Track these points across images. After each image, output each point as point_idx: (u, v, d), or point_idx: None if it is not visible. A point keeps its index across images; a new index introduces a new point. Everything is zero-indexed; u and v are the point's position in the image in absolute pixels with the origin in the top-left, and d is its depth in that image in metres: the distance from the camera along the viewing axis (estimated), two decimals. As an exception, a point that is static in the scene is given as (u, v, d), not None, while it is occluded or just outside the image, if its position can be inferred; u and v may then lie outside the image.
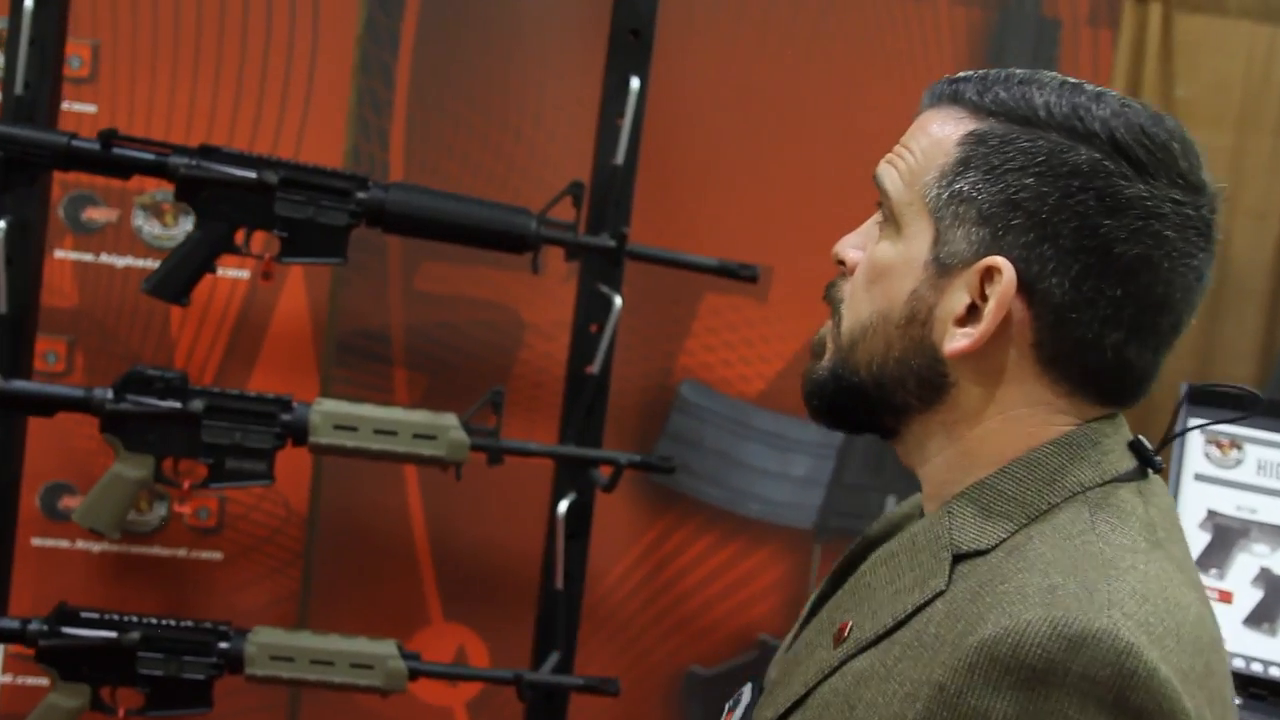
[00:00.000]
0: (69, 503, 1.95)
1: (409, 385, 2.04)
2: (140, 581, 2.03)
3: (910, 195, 0.83)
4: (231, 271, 1.92)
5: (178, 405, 1.50)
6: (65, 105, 1.98)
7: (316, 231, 1.51)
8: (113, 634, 1.47)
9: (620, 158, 1.58)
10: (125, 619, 1.49)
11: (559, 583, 1.55)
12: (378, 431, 1.52)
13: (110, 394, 1.50)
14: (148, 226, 1.98)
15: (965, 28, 2.11)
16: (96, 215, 1.99)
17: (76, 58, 2.00)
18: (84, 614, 1.49)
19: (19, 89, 1.53)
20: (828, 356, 0.88)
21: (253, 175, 1.50)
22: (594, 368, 1.57)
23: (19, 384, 1.49)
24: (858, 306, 0.86)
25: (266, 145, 1.99)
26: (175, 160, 1.49)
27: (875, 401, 0.85)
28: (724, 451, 2.03)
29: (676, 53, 1.94)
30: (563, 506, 1.58)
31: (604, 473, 1.62)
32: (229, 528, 2.03)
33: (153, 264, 1.97)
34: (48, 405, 1.51)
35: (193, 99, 1.99)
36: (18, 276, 1.55)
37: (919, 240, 0.82)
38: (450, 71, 2.02)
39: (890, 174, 0.86)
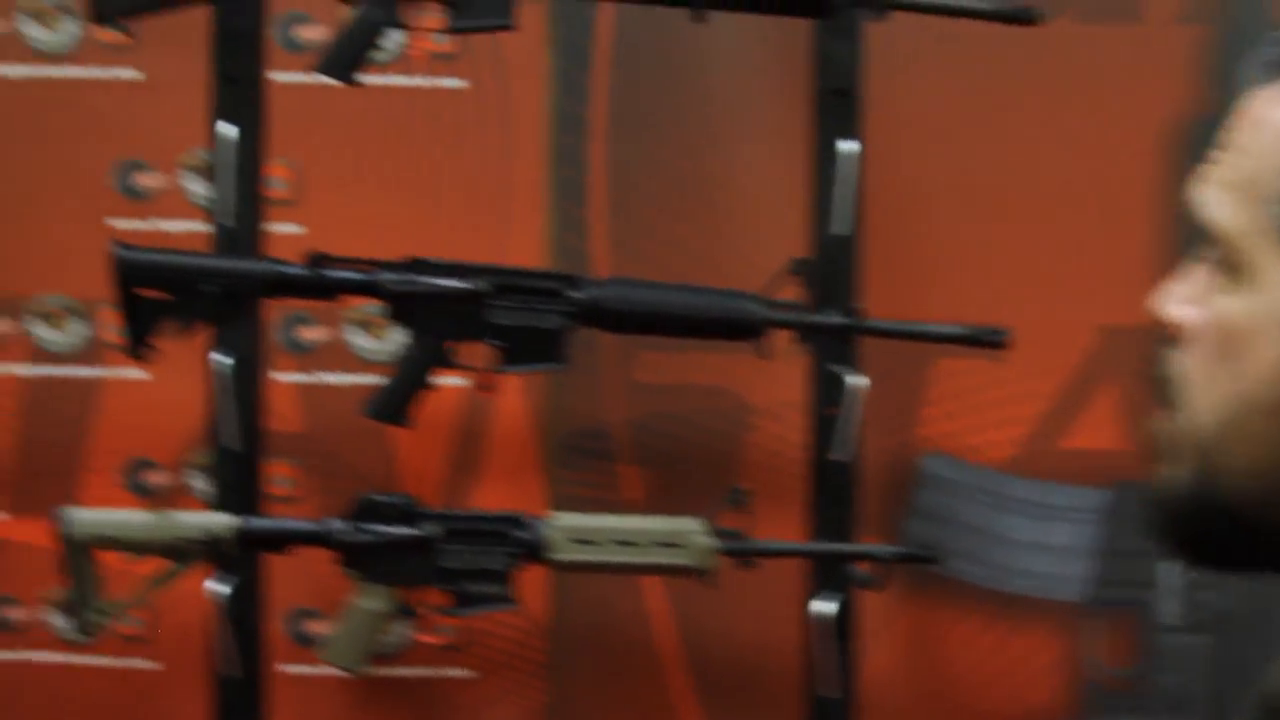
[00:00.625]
0: (314, 628, 1.93)
1: (636, 481, 1.96)
2: (389, 703, 1.99)
3: (1253, 221, 0.59)
4: (450, 380, 1.88)
5: (412, 531, 1.44)
6: (269, 227, 1.99)
7: (533, 337, 1.44)
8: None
9: (843, 228, 1.47)
10: None
11: (828, 690, 1.42)
12: (618, 543, 1.43)
13: (345, 525, 1.45)
14: (361, 342, 1.96)
15: (1188, 46, 1.93)
16: (311, 335, 1.98)
17: (279, 180, 2.00)
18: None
19: (229, 220, 1.51)
20: (1181, 464, 0.62)
21: (464, 285, 1.44)
22: (840, 454, 1.45)
23: (256, 522, 1.45)
24: (1211, 389, 0.61)
25: (468, 250, 1.94)
26: (384, 278, 1.44)
27: (1264, 529, 0.60)
28: (979, 525, 1.87)
29: (884, 108, 1.83)
30: (824, 607, 1.45)
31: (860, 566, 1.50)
32: (473, 643, 1.98)
33: (369, 379, 1.95)
34: (284, 542, 1.47)
35: (395, 211, 1.96)
36: (246, 410, 1.52)
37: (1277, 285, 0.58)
38: (646, 151, 1.95)
39: (1215, 198, 0.61)
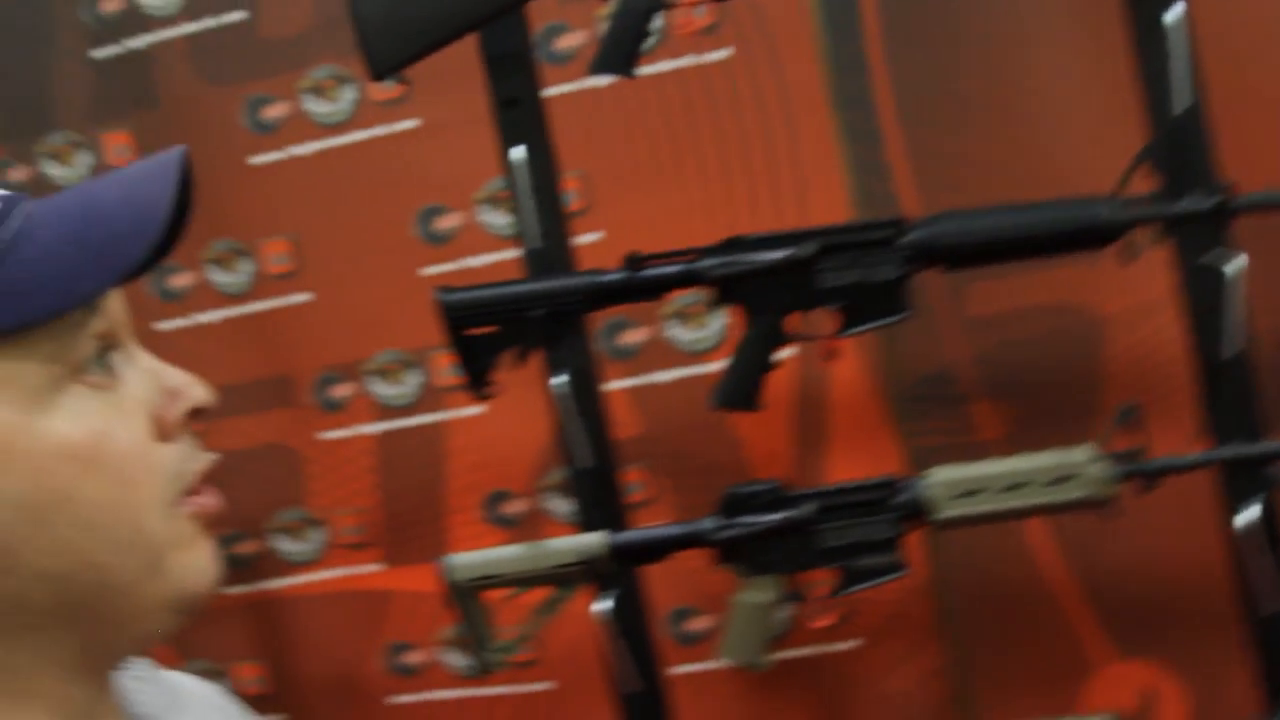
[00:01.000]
0: (696, 625, 1.91)
1: (993, 419, 1.84)
2: (781, 686, 1.95)
3: None
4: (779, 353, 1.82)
5: (785, 516, 1.38)
6: (573, 240, 1.98)
7: (871, 292, 1.35)
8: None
9: (1185, 102, 1.32)
10: None
11: (1270, 604, 1.28)
12: (1004, 489, 1.33)
13: (715, 523, 1.41)
14: (681, 334, 1.93)
15: None
16: (633, 338, 1.96)
17: (571, 192, 1.99)
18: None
19: (534, 242, 1.50)
20: None
21: (787, 254, 1.37)
22: (1229, 350, 1.30)
23: (626, 536, 1.43)
24: None
25: (770, 219, 1.88)
26: (705, 264, 1.39)
27: None
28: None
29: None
30: (1249, 517, 1.31)
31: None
32: (856, 613, 1.91)
33: (696, 371, 1.92)
34: (660, 550, 1.45)
35: (688, 203, 1.92)
36: (592, 425, 1.50)
37: None
38: (933, 76, 1.83)
39: None
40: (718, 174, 1.91)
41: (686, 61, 1.91)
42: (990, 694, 1.85)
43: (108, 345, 0.68)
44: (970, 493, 1.34)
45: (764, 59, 1.88)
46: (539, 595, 1.48)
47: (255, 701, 2.16)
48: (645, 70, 1.91)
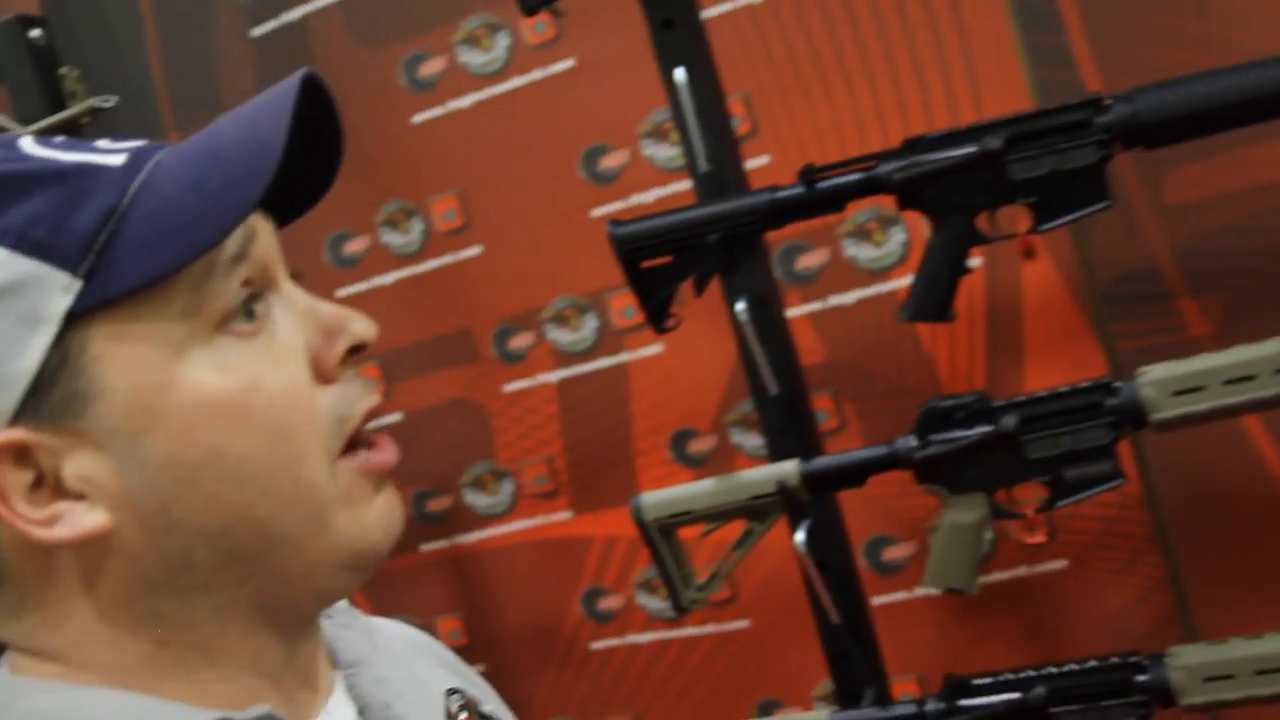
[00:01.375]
0: (893, 554, 1.85)
1: (1202, 313, 1.72)
2: (987, 614, 1.88)
3: None
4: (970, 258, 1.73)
5: (989, 429, 1.30)
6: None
7: (1069, 180, 1.26)
8: (1016, 695, 1.29)
9: None
10: (1022, 676, 1.31)
11: None
12: (1229, 382, 1.23)
13: (914, 441, 1.34)
14: (861, 253, 1.85)
15: None
16: (810, 261, 1.90)
17: (734, 116, 1.93)
18: (976, 682, 1.33)
19: (704, 165, 1.44)
20: None
21: (973, 149, 1.29)
22: None
23: (820, 461, 1.38)
24: None
25: (945, 122, 1.79)
26: (885, 169, 1.32)
27: None
28: None
29: None
30: None
31: None
32: (1063, 531, 1.82)
33: (879, 290, 1.84)
34: (856, 474, 1.39)
35: (856, 114, 1.84)
36: (776, 351, 1.45)
37: None
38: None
39: None
40: (885, 79, 1.82)
41: (854, -33, 1.83)
42: (1213, 606, 1.75)
43: (255, 292, 0.65)
44: (1190, 390, 1.24)
45: (928, -46, 1.79)
46: (732, 531, 1.44)
47: (457, 654, 2.18)
48: (811, -19, 1.85)
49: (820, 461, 1.37)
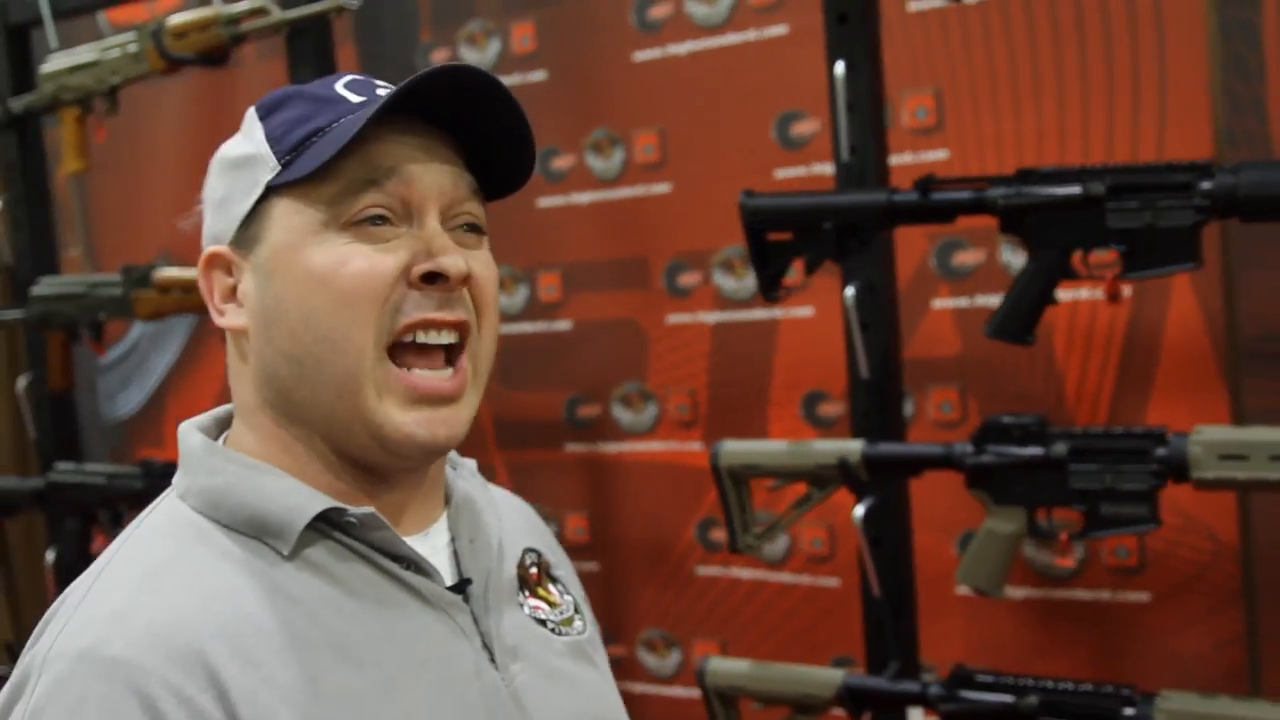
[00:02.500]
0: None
1: (1339, 387, 1.72)
2: (1064, 627, 1.94)
3: None
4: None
5: (1040, 452, 1.39)
6: (914, 157, 2.00)
7: (1159, 238, 1.32)
8: (1009, 698, 1.39)
9: None
10: (1021, 682, 1.40)
11: None
12: (1275, 458, 1.27)
13: (971, 448, 1.44)
14: (1017, 260, 1.91)
15: None
16: (967, 259, 1.97)
17: (921, 108, 2.01)
18: (979, 677, 1.43)
19: (845, 155, 1.55)
20: None
21: (1077, 190, 1.36)
22: None
23: (882, 447, 1.49)
24: None
25: (1125, 153, 1.83)
26: (994, 193, 1.40)
27: None
28: None
29: None
30: None
31: None
32: (1153, 565, 1.87)
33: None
34: (913, 465, 1.49)
35: (1039, 124, 1.89)
36: (874, 340, 1.55)
37: None
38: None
39: None
40: (1075, 100, 1.87)
41: (1061, -18, 1.87)
42: (1283, 670, 1.77)
43: (384, 215, 0.87)
44: (1235, 456, 1.29)
45: (1148, -15, 1.81)
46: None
47: (574, 549, 2.39)
48: (1003, -9, 1.90)
49: (882, 447, 1.48)
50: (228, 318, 0.89)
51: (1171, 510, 1.83)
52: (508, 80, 2.38)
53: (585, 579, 2.41)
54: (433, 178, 0.88)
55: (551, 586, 0.99)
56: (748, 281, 2.17)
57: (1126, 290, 1.82)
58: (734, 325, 2.20)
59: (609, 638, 2.36)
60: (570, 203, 2.35)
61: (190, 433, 0.91)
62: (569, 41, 2.34)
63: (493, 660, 0.88)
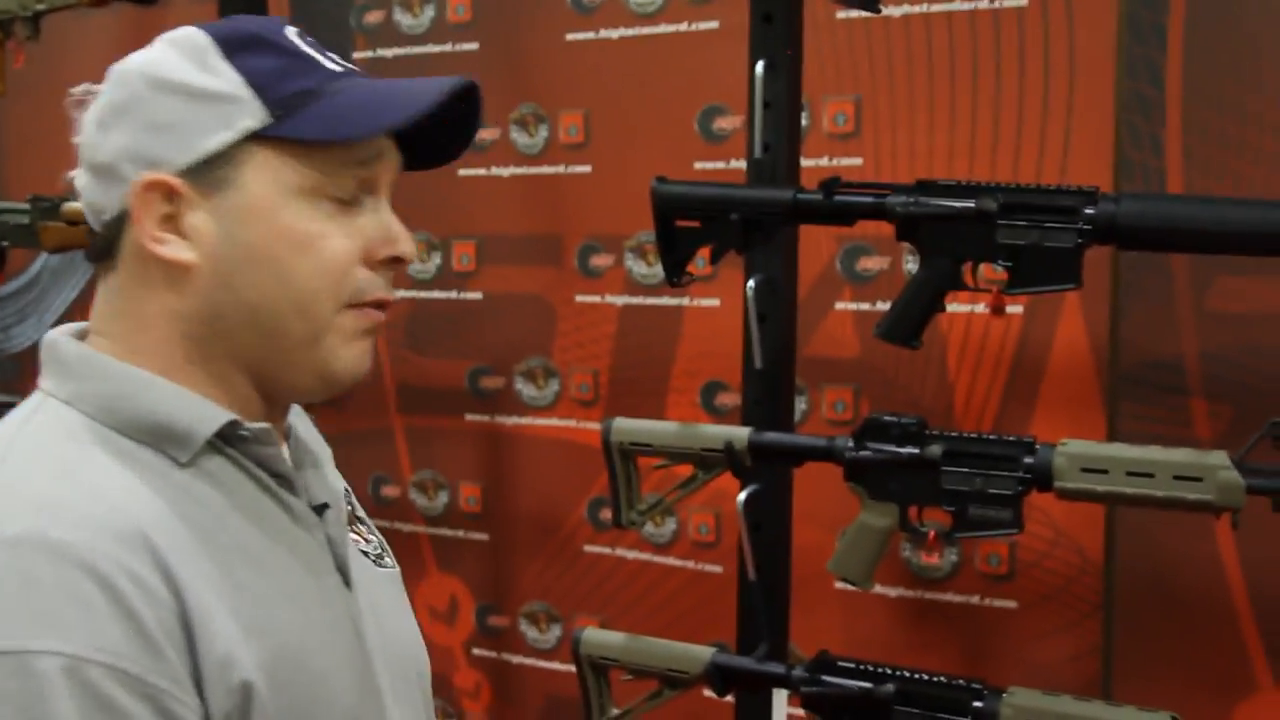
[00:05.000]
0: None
1: (1209, 418, 1.81)
2: (935, 627, 2.01)
3: None
4: (1011, 308, 1.84)
5: (915, 451, 1.44)
6: (830, 161, 2.05)
7: (1043, 257, 1.38)
8: (868, 685, 1.45)
9: None
10: (880, 670, 1.46)
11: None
12: (1131, 474, 1.34)
13: (850, 443, 1.49)
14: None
15: None
16: (871, 264, 2.03)
17: (841, 114, 2.06)
18: (841, 663, 1.48)
19: (758, 152, 1.59)
20: None
21: (970, 205, 1.41)
22: None
23: (767, 436, 1.53)
24: None
25: (1030, 173, 1.90)
26: (893, 200, 1.45)
27: None
28: None
29: None
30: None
31: None
32: (1021, 575, 1.94)
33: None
34: (795, 455, 1.54)
35: (951, 139, 1.95)
36: (770, 332, 1.60)
37: None
38: (1230, 59, 1.77)
39: None
40: (987, 120, 1.93)
41: (982, 4, 1.93)
42: (1132, 684, 1.85)
43: (364, 189, 0.91)
44: (1095, 470, 1.36)
45: (1060, 13, 1.88)
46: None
47: (467, 518, 2.42)
48: (940, 8, 1.96)
49: (767, 436, 1.53)
50: (170, 248, 0.88)
51: (1043, 523, 1.91)
52: (440, 49, 2.41)
53: (474, 549, 2.44)
54: (394, 161, 0.93)
55: (360, 525, 1.04)
56: (658, 269, 2.18)
57: (1015, 307, 1.90)
58: (641, 310, 2.24)
59: (493, 608, 2.40)
60: (491, 175, 2.37)
61: (65, 341, 0.92)
62: (503, 16, 2.36)
63: (346, 583, 0.93)
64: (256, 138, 0.88)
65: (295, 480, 0.92)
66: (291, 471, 0.92)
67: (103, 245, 0.91)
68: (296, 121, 0.87)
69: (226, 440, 0.89)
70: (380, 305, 0.92)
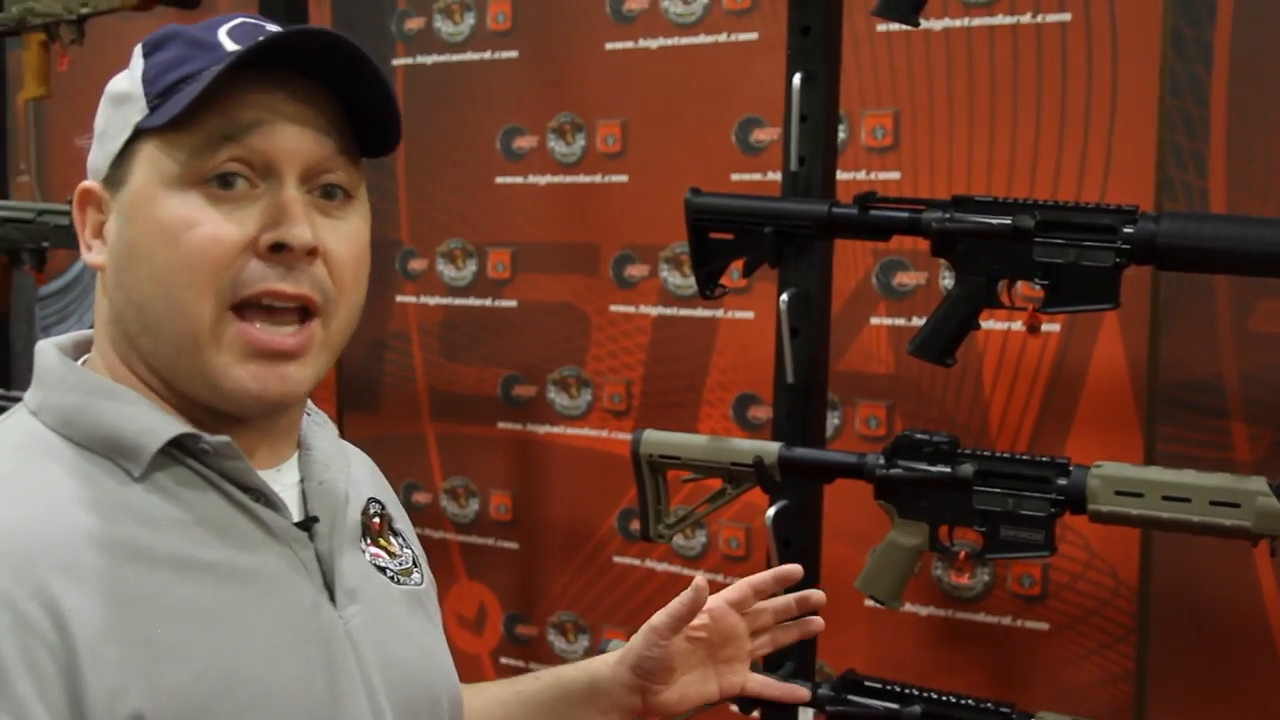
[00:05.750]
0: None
1: (1249, 441, 1.78)
2: (964, 648, 1.99)
3: None
4: (1048, 326, 1.82)
5: (947, 470, 1.43)
6: (868, 175, 2.04)
7: (1081, 276, 1.36)
8: (894, 705, 1.43)
9: None
10: (907, 691, 1.44)
11: None
12: (1166, 498, 1.32)
13: (881, 460, 1.47)
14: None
15: None
16: (907, 279, 2.01)
17: (880, 128, 2.04)
18: (868, 683, 1.47)
19: (793, 165, 1.58)
20: None
21: (1007, 222, 1.39)
22: None
23: (798, 451, 1.52)
24: None
25: (1070, 190, 1.87)
26: (928, 216, 1.44)
27: None
28: None
29: None
30: None
31: None
32: (1054, 597, 1.92)
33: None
34: (826, 472, 1.53)
35: (991, 154, 1.93)
36: (803, 346, 1.58)
37: None
38: (1277, 77, 1.74)
39: None
40: (1028, 136, 1.91)
41: (1025, 19, 1.91)
42: (1168, 713, 1.82)
43: (239, 173, 0.86)
44: (1130, 493, 1.34)
45: (1104, 29, 1.85)
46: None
47: (497, 526, 2.41)
48: (981, 21, 1.94)
49: (797, 451, 1.52)
50: (93, 254, 0.89)
51: (1077, 545, 1.89)
52: (479, 56, 2.41)
53: (504, 557, 2.43)
54: (294, 136, 0.86)
55: (392, 538, 1.01)
56: (693, 280, 2.19)
57: (1052, 325, 1.88)
58: (675, 320, 2.23)
59: (521, 617, 2.40)
60: (528, 183, 2.37)
61: (47, 350, 0.91)
62: (543, 24, 2.36)
63: (332, 599, 0.90)
64: (143, 132, 0.86)
65: (271, 493, 0.89)
66: (263, 485, 0.89)
67: None
68: (164, 109, 0.85)
69: (188, 452, 0.87)
70: (273, 315, 0.86)
